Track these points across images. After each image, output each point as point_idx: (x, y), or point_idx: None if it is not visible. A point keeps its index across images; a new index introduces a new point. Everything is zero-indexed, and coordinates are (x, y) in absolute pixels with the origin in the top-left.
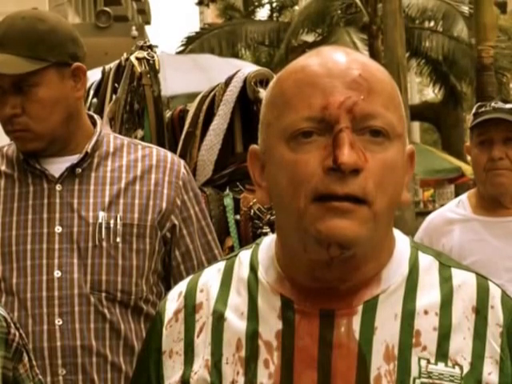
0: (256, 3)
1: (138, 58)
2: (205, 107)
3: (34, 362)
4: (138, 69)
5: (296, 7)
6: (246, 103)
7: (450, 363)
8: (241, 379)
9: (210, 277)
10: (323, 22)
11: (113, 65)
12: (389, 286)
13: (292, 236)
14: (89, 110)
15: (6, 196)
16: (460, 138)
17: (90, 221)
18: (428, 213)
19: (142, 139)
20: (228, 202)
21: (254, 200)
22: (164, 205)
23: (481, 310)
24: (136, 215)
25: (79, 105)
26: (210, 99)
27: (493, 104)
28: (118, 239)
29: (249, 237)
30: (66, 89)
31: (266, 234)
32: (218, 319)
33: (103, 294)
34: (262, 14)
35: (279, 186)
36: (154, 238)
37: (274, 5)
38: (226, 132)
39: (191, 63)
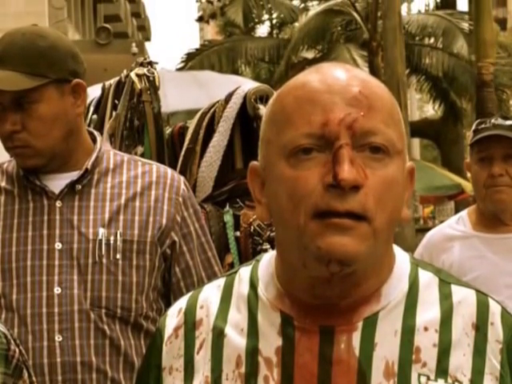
0: (256, 20)
1: (138, 75)
2: (205, 124)
3: (34, 379)
4: (138, 85)
5: (296, 24)
6: (246, 120)
7: (449, 380)
8: None
9: (210, 293)
10: (323, 38)
11: (113, 81)
12: (389, 302)
13: (292, 252)
14: (89, 126)
15: (6, 212)
16: (460, 155)
17: (90, 237)
18: (428, 229)
19: (142, 156)
20: (228, 218)
21: (254, 216)
22: (164, 221)
23: (481, 327)
24: (136, 231)
25: (79, 121)
26: (209, 116)
27: (493, 121)
28: (118, 256)
29: (249, 253)
30: (65, 105)
31: (265, 250)
32: (218, 335)
33: (103, 311)
34: (262, 30)
35: (279, 202)
36: (154, 254)
37: (274, 21)
38: (225, 148)
39: (191, 80)
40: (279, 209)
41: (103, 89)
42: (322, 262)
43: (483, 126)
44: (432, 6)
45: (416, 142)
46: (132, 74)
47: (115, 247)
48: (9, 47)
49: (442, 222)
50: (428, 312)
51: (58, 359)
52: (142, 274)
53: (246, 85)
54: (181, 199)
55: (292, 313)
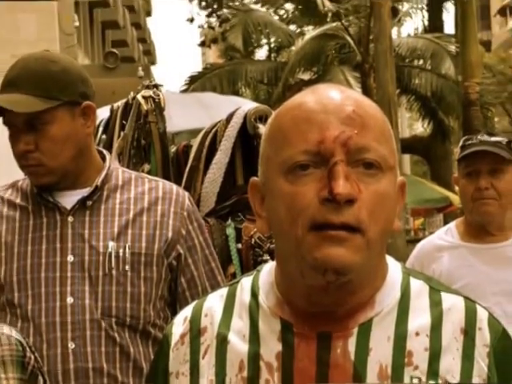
0: (255, 44)
1: (144, 97)
2: (207, 142)
3: None
4: (145, 107)
5: (293, 47)
6: (247, 138)
7: (440, 381)
8: None
9: (214, 302)
10: (318, 61)
11: (120, 103)
12: (382, 309)
13: (290, 263)
14: (98, 145)
15: (21, 227)
16: (448, 170)
17: (101, 250)
18: (418, 240)
19: (149, 173)
20: (230, 231)
21: (255, 229)
22: (170, 234)
23: (469, 332)
24: (144, 244)
25: (89, 141)
26: (212, 135)
27: (479, 137)
28: (127, 267)
29: (250, 264)
30: (76, 126)
31: (266, 261)
32: (222, 342)
33: (113, 319)
34: (261, 54)
35: (278, 215)
36: (161, 266)
37: (272, 45)
38: (227, 165)
39: (194, 101)
40: (278, 222)
41: (111, 110)
42: (318, 271)
43: (470, 142)
44: (421, 29)
45: (406, 157)
46: (139, 96)
47: (124, 259)
48: (22, 72)
49: (431, 233)
50: (419, 318)
51: (71, 365)
52: (149, 285)
53: (246, 105)
54: (185, 213)
55: (291, 319)
